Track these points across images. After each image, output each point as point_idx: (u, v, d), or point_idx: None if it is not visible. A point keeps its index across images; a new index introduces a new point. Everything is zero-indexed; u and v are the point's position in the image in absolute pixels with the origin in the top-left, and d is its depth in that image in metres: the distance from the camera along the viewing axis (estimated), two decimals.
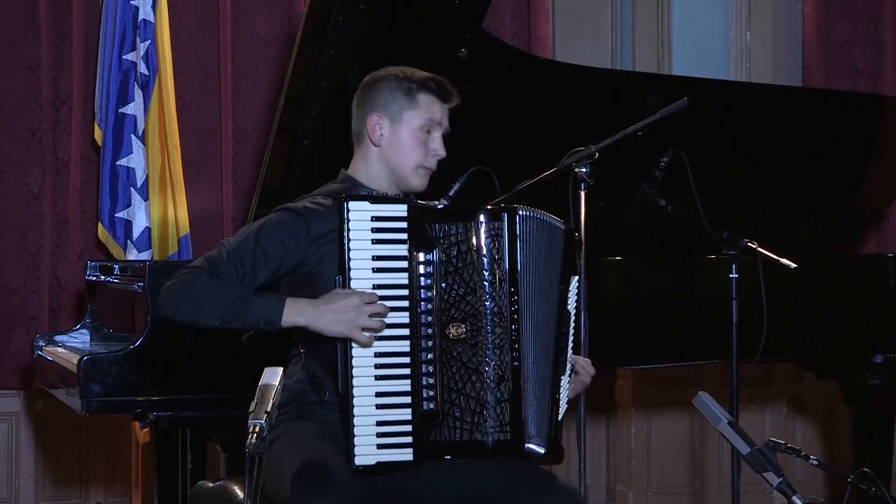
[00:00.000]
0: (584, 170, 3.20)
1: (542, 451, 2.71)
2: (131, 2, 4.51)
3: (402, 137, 2.82)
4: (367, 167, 2.86)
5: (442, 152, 2.83)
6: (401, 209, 2.65)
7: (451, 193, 2.94)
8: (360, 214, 2.62)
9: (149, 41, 4.52)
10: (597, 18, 5.50)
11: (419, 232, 2.65)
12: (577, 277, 2.84)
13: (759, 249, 3.56)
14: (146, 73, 4.52)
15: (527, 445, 2.69)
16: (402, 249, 2.64)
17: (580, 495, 2.69)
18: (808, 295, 4.14)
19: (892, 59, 5.43)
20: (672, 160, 3.62)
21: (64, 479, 4.91)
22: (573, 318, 2.83)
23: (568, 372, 2.81)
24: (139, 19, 4.51)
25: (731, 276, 3.54)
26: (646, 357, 4.02)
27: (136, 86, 4.52)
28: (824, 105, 4.57)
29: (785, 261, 3.55)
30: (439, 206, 2.73)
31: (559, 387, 2.76)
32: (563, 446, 2.78)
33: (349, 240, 2.61)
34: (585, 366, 2.88)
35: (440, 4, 3.80)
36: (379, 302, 2.60)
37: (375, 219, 2.63)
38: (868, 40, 5.44)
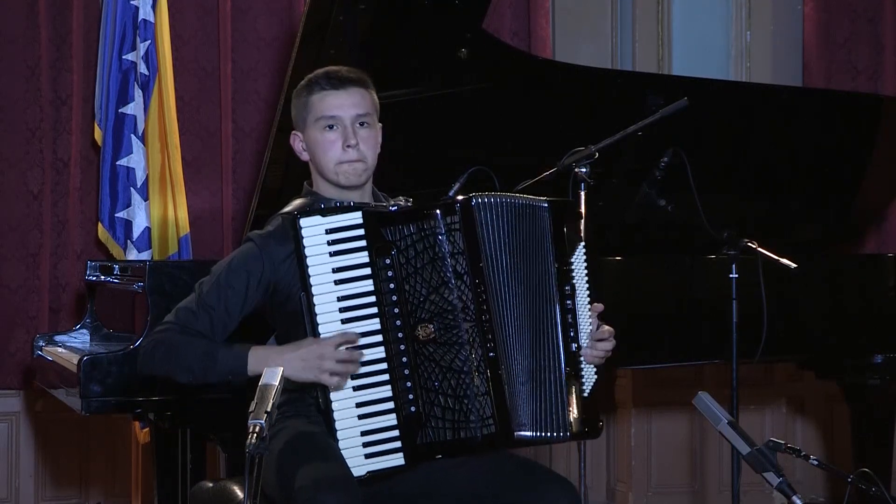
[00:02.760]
0: (584, 170, 3.19)
1: (534, 434, 2.68)
2: (131, 2, 4.51)
3: (312, 143, 2.81)
4: (316, 182, 2.86)
5: (352, 140, 2.76)
6: (356, 217, 2.63)
7: (450, 193, 2.94)
8: (313, 230, 2.60)
9: (149, 41, 4.51)
10: (597, 18, 5.50)
11: (377, 237, 2.63)
12: (581, 245, 2.78)
13: (759, 249, 3.56)
14: (146, 73, 4.51)
15: (517, 433, 2.67)
16: (363, 257, 2.63)
17: (576, 488, 2.68)
18: (808, 295, 4.13)
19: (892, 59, 5.42)
20: (672, 160, 3.62)
21: (64, 479, 4.91)
22: (588, 287, 2.78)
23: (586, 345, 2.77)
24: (139, 19, 4.50)
25: (731, 276, 3.54)
26: (646, 357, 4.01)
27: (136, 86, 4.52)
28: (824, 105, 4.57)
29: (785, 261, 3.55)
30: (393, 209, 2.70)
31: (577, 363, 2.74)
32: (599, 420, 2.75)
33: (306, 256, 2.59)
34: (596, 353, 2.79)
35: (440, 4, 3.80)
36: (349, 349, 2.57)
37: (330, 231, 2.61)
38: (868, 40, 5.43)
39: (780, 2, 5.59)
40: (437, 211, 2.66)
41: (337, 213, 2.64)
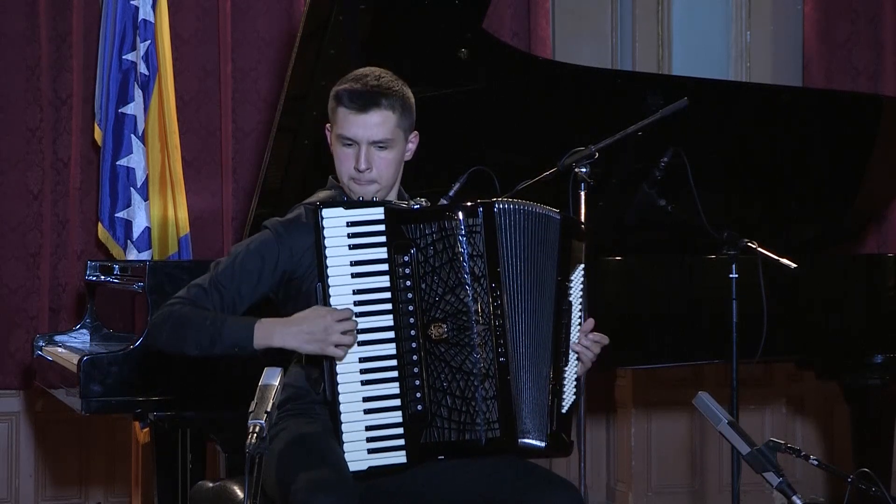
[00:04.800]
0: (584, 170, 3.20)
1: (541, 444, 2.70)
2: (131, 2, 4.51)
3: (333, 149, 2.81)
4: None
5: (363, 165, 2.73)
6: (377, 212, 2.64)
7: (450, 193, 2.93)
8: (335, 221, 2.61)
9: (149, 41, 4.52)
10: (597, 18, 5.50)
11: (397, 234, 2.63)
12: (581, 266, 2.80)
13: (759, 249, 3.56)
14: (146, 73, 4.52)
15: (521, 440, 2.68)
16: (382, 253, 2.63)
17: (580, 493, 2.69)
18: (808, 295, 4.13)
19: (892, 59, 5.43)
20: (672, 160, 3.62)
21: (64, 479, 4.91)
22: (581, 308, 2.79)
23: (572, 363, 2.78)
24: (139, 19, 4.51)
25: (731, 276, 3.54)
26: (646, 357, 4.01)
27: (136, 86, 4.52)
28: (824, 105, 4.57)
29: (785, 261, 3.55)
30: (415, 207, 2.70)
31: (561, 379, 2.75)
32: (570, 439, 2.75)
33: (325, 247, 2.60)
34: (589, 344, 2.79)
35: (440, 4, 3.80)
36: (352, 319, 2.58)
37: (351, 224, 2.62)
38: (868, 40, 5.44)
39: (780, 2, 5.59)
40: (459, 212, 2.67)
41: (359, 208, 2.65)
